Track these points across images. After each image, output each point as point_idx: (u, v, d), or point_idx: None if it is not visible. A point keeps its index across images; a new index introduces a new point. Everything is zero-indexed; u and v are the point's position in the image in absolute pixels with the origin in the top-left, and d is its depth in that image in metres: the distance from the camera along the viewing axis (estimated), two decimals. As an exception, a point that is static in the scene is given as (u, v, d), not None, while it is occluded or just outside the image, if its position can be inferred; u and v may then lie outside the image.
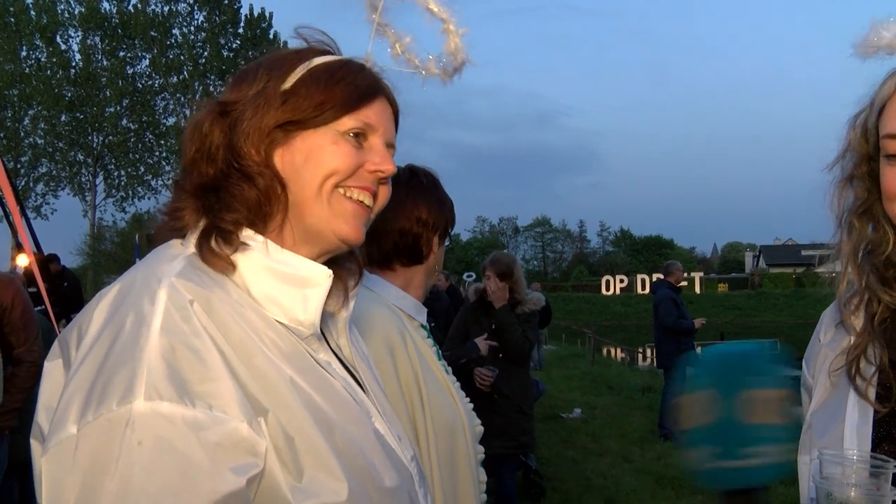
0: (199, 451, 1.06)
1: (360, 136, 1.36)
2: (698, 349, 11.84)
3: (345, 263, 1.49)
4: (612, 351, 33.54)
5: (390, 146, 1.43)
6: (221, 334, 1.17)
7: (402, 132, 1.49)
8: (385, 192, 1.44)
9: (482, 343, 5.65)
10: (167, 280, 1.18)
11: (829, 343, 1.60)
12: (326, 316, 1.45)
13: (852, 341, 1.52)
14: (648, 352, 30.25)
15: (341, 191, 1.34)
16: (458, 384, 2.42)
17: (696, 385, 1.04)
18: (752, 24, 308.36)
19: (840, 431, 1.46)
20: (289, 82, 1.34)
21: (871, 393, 1.44)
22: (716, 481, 0.98)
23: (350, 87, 1.36)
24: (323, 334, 1.42)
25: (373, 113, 1.38)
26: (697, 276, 74.90)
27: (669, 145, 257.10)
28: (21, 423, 4.63)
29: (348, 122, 1.34)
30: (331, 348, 1.44)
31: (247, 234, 1.30)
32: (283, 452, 1.16)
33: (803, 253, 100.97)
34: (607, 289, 74.16)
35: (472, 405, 2.44)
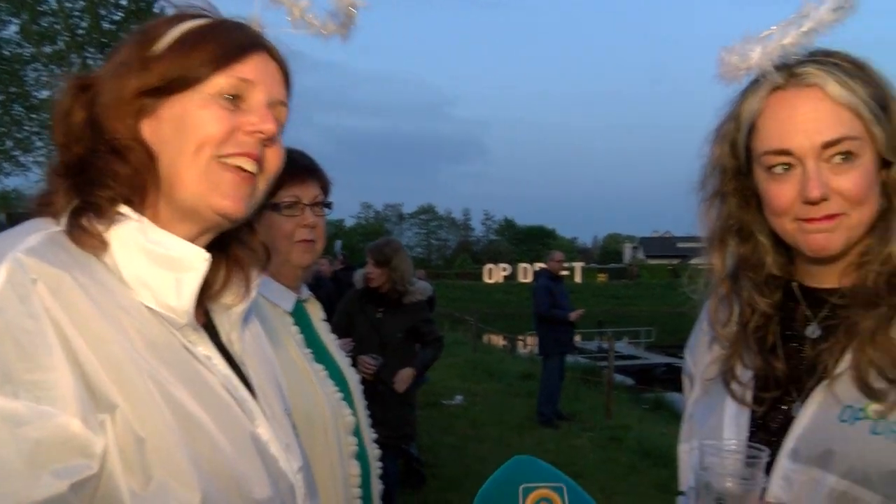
0: (13, 449, 0.94)
1: (236, 98, 1.22)
2: (577, 338, 12.13)
3: (245, 247, 1.36)
4: (494, 338, 33.99)
5: (278, 104, 1.28)
6: (69, 318, 1.03)
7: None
8: (274, 156, 1.28)
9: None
10: (12, 255, 1.04)
11: (710, 337, 1.65)
12: (221, 308, 1.34)
13: (724, 350, 1.56)
14: (529, 339, 30.84)
15: (219, 160, 1.20)
16: (325, 372, 2.32)
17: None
18: (638, 16, 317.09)
19: (720, 421, 1.51)
20: (154, 48, 1.21)
21: (748, 396, 1.49)
22: None
23: (221, 44, 1.22)
24: (214, 326, 1.32)
25: (250, 69, 1.23)
26: (578, 265, 76.91)
27: (554, 138, 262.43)
28: None
29: (220, 82, 1.20)
30: (220, 342, 1.31)
31: (123, 210, 1.17)
32: (129, 455, 1.04)
33: (679, 245, 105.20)
34: (490, 277, 75.02)
35: (341, 394, 2.35)
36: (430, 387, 12.58)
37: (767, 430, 1.44)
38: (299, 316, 2.41)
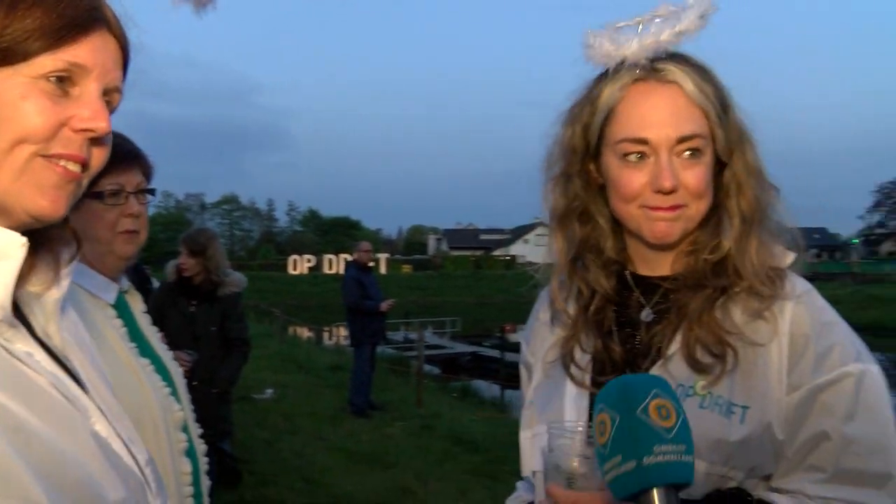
0: None
1: (65, 81, 1.04)
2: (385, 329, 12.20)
3: (53, 231, 1.15)
4: (300, 330, 33.64)
5: (112, 92, 1.11)
6: None
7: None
8: (100, 155, 1.11)
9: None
10: None
11: (548, 325, 1.69)
12: (29, 297, 1.14)
13: (564, 333, 1.61)
14: (335, 330, 30.73)
15: (39, 158, 1.02)
16: (151, 367, 2.21)
17: (596, 411, 1.06)
18: (452, 11, 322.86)
19: (560, 405, 1.55)
20: None
21: (587, 379, 1.55)
22: (622, 489, 0.98)
23: (50, 15, 1.01)
24: (27, 319, 1.12)
25: (86, 51, 1.05)
26: (383, 257, 77.44)
27: (360, 129, 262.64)
28: None
29: (46, 63, 1.01)
30: (36, 337, 1.13)
31: None
32: None
33: (482, 237, 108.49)
34: (294, 268, 74.21)
35: (168, 389, 2.24)
36: (239, 381, 12.27)
37: None
38: (121, 308, 2.27)
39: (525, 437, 1.62)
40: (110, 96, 1.11)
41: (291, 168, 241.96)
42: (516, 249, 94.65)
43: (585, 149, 1.55)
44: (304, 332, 33.20)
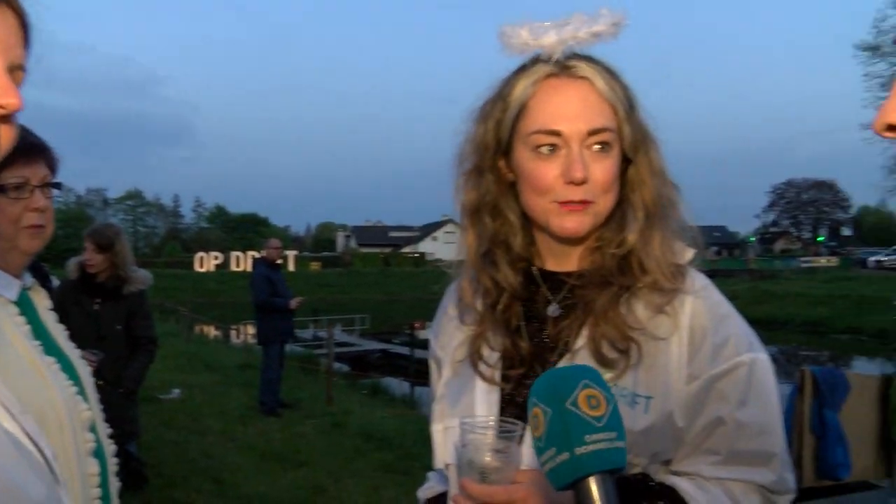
0: None
1: None
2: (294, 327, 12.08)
3: None
4: (208, 329, 33.04)
5: (16, 70, 1.04)
6: None
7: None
8: (9, 135, 1.04)
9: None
10: None
11: (456, 321, 1.71)
12: None
13: (472, 330, 1.63)
14: (243, 329, 30.28)
15: None
16: (57, 365, 2.14)
17: (529, 406, 1.07)
18: (368, 14, 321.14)
19: (471, 400, 1.57)
20: None
21: (497, 375, 1.57)
22: (559, 479, 1.00)
23: None
24: None
25: None
26: (292, 254, 76.53)
27: (268, 125, 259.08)
28: None
29: None
30: None
31: None
32: None
33: (391, 234, 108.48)
34: (201, 265, 72.69)
35: (75, 388, 2.17)
36: (145, 380, 11.97)
37: (517, 405, 1.52)
38: (24, 306, 2.19)
39: (437, 429, 1.64)
40: (14, 74, 1.04)
41: (198, 163, 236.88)
42: (425, 247, 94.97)
43: (497, 145, 1.58)
44: (212, 331, 32.64)
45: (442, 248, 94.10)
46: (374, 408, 12.63)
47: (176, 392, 12.69)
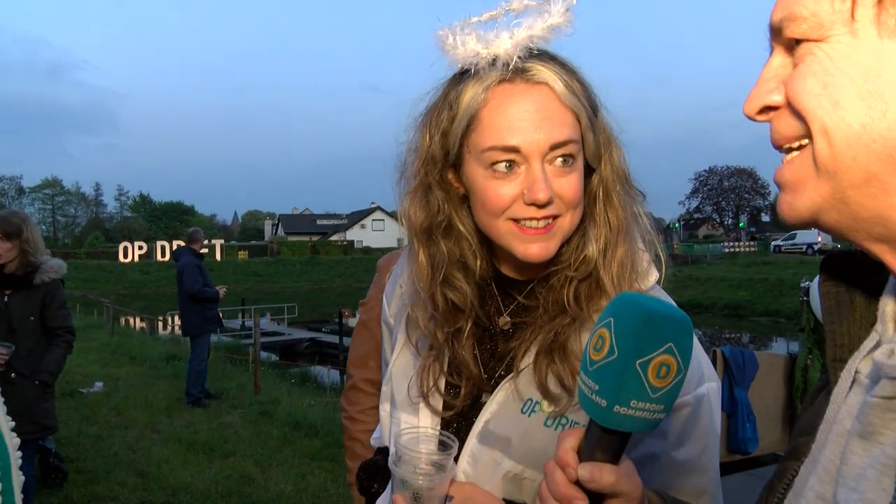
0: None
1: None
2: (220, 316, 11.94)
3: None
4: (132, 321, 32.40)
5: None
6: None
7: None
8: None
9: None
10: None
11: (410, 300, 1.57)
12: None
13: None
14: (170, 320, 29.76)
15: None
16: None
17: (601, 322, 0.99)
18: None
19: (415, 409, 1.52)
20: None
21: (442, 383, 1.49)
22: (585, 405, 0.98)
23: None
24: None
25: None
26: (218, 243, 75.48)
27: (194, 112, 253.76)
28: None
29: None
30: None
31: None
32: None
33: (318, 222, 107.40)
34: (125, 256, 71.06)
35: None
36: (64, 374, 11.70)
37: (461, 413, 1.48)
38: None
39: (384, 409, 1.61)
40: None
41: (120, 151, 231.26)
42: (353, 234, 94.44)
43: (445, 157, 1.41)
44: (137, 323, 32.01)
45: (370, 235, 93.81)
46: (303, 396, 12.57)
47: (99, 385, 12.45)
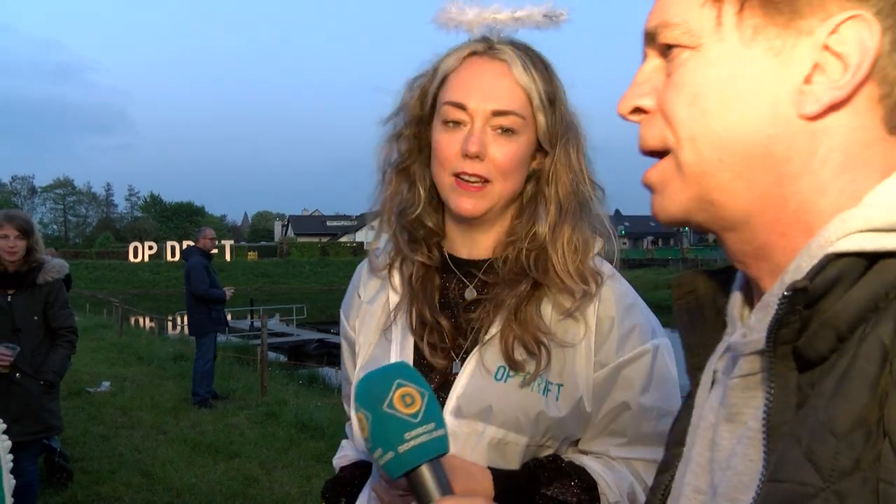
0: None
1: None
2: (229, 316, 11.92)
3: None
4: (141, 320, 32.46)
5: None
6: None
7: None
8: None
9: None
10: None
11: (370, 300, 1.70)
12: None
13: (394, 298, 1.63)
14: (179, 320, 29.81)
15: None
16: None
17: (354, 410, 1.12)
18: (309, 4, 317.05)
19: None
20: None
21: (409, 346, 1.58)
22: (393, 472, 1.05)
23: None
24: None
25: None
26: (228, 243, 75.63)
27: (204, 113, 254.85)
28: None
29: None
30: None
31: None
32: None
33: (328, 224, 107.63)
34: (135, 256, 71.31)
35: None
36: (72, 374, 11.70)
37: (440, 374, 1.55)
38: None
39: (354, 416, 1.64)
40: None
41: (131, 151, 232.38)
42: (363, 236, 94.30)
43: (420, 112, 1.60)
44: (146, 323, 32.07)
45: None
46: (310, 397, 12.54)
47: (106, 385, 12.44)
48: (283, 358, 21.73)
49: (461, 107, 1.50)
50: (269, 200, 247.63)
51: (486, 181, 1.50)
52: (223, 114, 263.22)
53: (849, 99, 0.71)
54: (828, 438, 0.63)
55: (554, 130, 1.54)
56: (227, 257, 69.50)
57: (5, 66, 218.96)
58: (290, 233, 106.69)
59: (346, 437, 1.85)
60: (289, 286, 63.12)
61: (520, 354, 1.49)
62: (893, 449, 0.60)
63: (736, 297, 0.87)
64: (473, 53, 1.54)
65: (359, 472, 1.68)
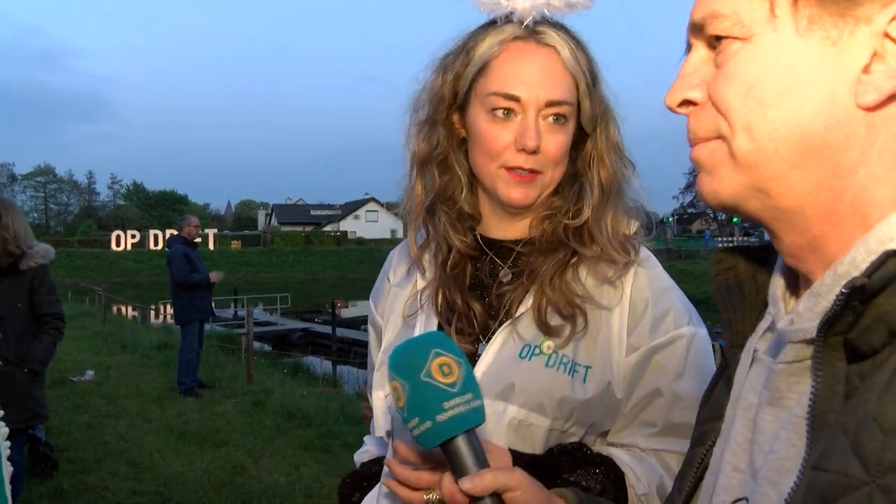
0: None
1: None
2: (213, 305, 11.87)
3: None
4: (125, 309, 32.30)
5: None
6: None
7: None
8: None
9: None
10: None
11: (399, 283, 1.68)
12: None
13: (422, 284, 1.61)
14: (162, 308, 29.69)
15: None
16: None
17: (388, 379, 1.12)
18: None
19: None
20: None
21: (440, 320, 1.56)
22: (428, 443, 1.05)
23: None
24: None
25: None
26: (211, 232, 75.13)
27: (187, 100, 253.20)
28: None
29: None
30: None
31: None
32: None
33: (312, 213, 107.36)
34: (118, 244, 70.77)
35: None
36: (55, 363, 11.58)
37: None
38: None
39: (378, 397, 1.62)
40: None
41: (113, 139, 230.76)
42: (347, 225, 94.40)
43: (453, 98, 1.55)
44: (130, 311, 31.93)
45: (363, 226, 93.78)
46: (296, 386, 12.53)
47: (90, 374, 12.36)
48: (267, 347, 21.69)
49: (513, 98, 1.46)
50: (253, 189, 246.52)
51: (537, 171, 1.48)
52: (207, 102, 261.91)
53: None
54: (876, 432, 0.62)
55: (595, 113, 1.53)
56: (211, 246, 69.05)
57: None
58: (274, 222, 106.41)
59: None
60: (272, 275, 62.89)
61: (554, 320, 1.46)
62: None
63: (778, 279, 0.87)
64: (517, 38, 1.48)
65: (377, 467, 1.64)
